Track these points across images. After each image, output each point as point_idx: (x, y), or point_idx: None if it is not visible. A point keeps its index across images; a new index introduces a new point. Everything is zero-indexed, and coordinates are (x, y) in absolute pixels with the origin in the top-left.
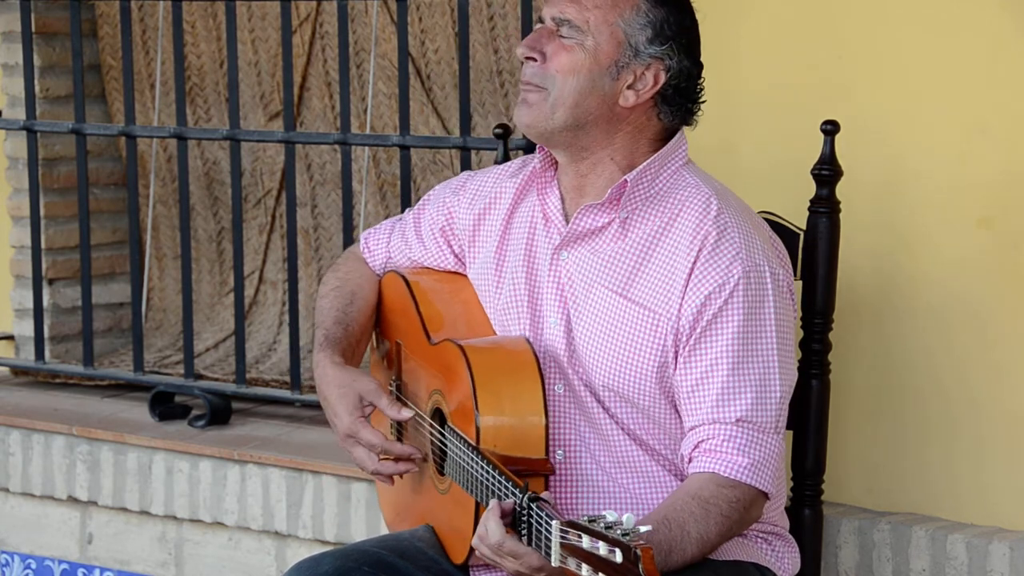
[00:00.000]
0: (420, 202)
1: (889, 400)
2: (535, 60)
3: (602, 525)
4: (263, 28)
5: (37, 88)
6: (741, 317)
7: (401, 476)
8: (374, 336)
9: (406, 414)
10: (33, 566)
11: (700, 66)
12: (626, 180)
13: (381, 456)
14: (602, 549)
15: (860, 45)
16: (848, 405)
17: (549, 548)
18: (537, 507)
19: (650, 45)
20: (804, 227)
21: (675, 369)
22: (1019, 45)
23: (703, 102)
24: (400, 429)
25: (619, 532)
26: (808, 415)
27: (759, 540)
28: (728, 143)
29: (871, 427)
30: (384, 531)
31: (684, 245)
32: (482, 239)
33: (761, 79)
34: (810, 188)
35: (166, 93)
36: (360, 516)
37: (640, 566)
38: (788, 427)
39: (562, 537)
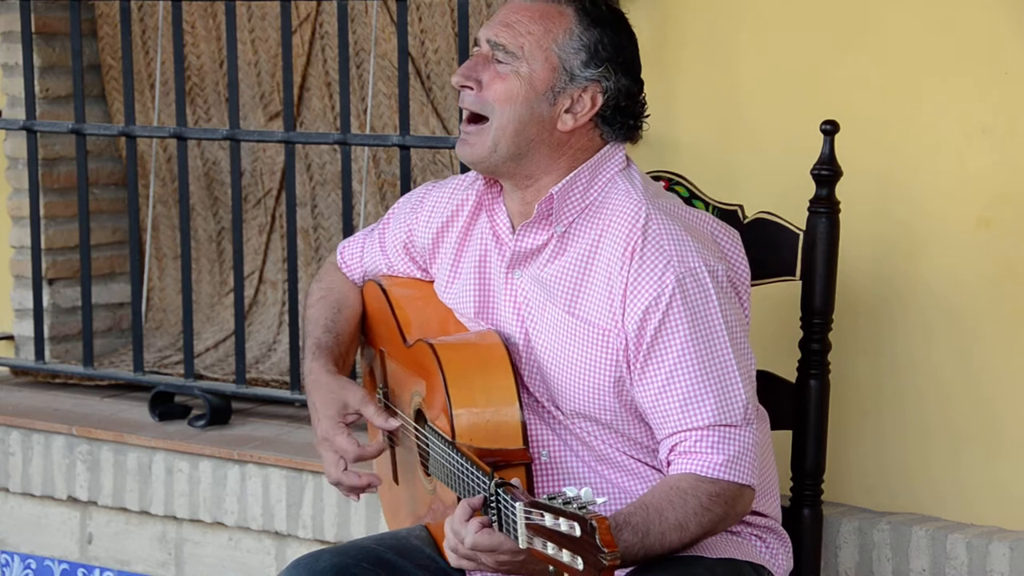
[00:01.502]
0: (386, 216)
1: (889, 400)
2: (471, 88)
3: (560, 501)
4: (263, 28)
5: (37, 88)
6: (686, 324)
7: (358, 497)
8: (361, 346)
9: (393, 423)
10: (33, 566)
11: (640, 83)
12: (552, 195)
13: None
14: (563, 525)
15: (860, 45)
16: (848, 405)
17: (516, 532)
18: (503, 491)
19: (585, 68)
20: (804, 227)
21: (632, 384)
22: (1019, 45)
23: (647, 117)
24: (392, 439)
25: (576, 507)
26: (808, 415)
27: (754, 538)
28: (728, 143)
29: (871, 427)
30: (384, 530)
31: (617, 256)
32: (441, 255)
33: (761, 79)
34: (810, 188)
35: (166, 93)
36: (360, 516)
37: (597, 537)
38: (788, 427)
39: (527, 518)
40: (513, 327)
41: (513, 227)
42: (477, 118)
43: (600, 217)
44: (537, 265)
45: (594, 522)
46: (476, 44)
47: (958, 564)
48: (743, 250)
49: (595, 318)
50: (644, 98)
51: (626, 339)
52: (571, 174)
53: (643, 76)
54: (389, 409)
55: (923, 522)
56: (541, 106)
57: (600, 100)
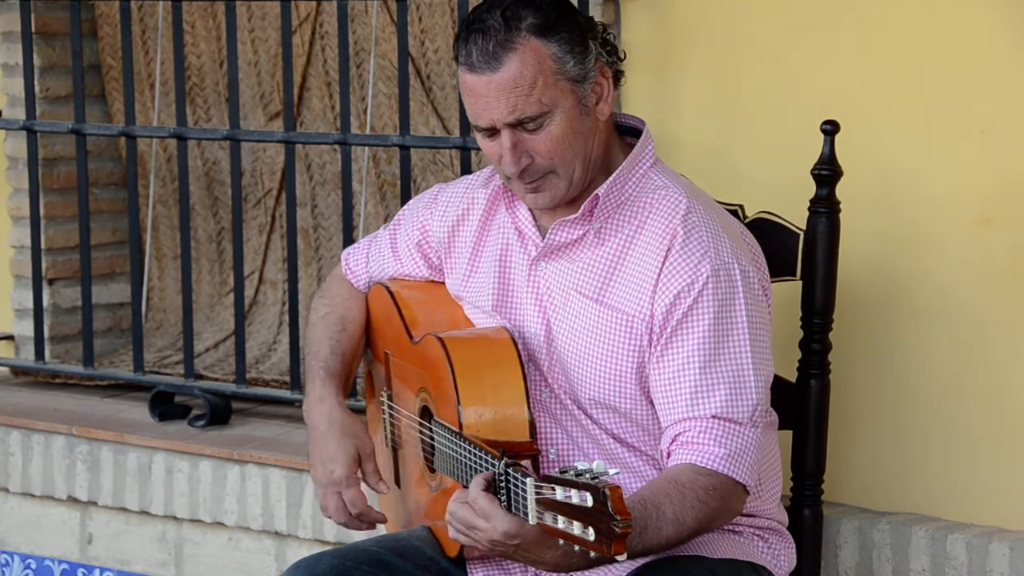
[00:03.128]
0: (395, 218)
1: (889, 400)
2: (527, 163)
3: (572, 474)
4: (263, 28)
5: (37, 88)
6: (711, 315)
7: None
8: (367, 352)
9: (383, 488)
10: (33, 566)
11: (594, 23)
12: (597, 195)
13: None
14: (574, 497)
15: (860, 45)
16: (848, 405)
17: (527, 508)
18: (513, 470)
19: (583, 63)
20: (804, 227)
21: (648, 368)
22: (1019, 45)
23: (619, 50)
24: (395, 438)
25: (588, 477)
26: (808, 415)
27: (755, 537)
28: (728, 143)
29: (871, 427)
30: (383, 531)
31: (654, 246)
32: (457, 251)
33: (761, 79)
34: (810, 188)
35: (166, 93)
36: None
37: (609, 504)
38: (788, 427)
39: (537, 492)
40: (534, 319)
41: (536, 220)
42: (545, 174)
43: (637, 209)
44: (568, 257)
45: (607, 490)
46: (483, 130)
47: (958, 564)
48: (763, 254)
49: (623, 305)
50: (606, 33)
51: (651, 323)
52: (615, 174)
53: (643, 76)
54: (393, 411)
55: (923, 522)
56: (585, 122)
57: (608, 70)
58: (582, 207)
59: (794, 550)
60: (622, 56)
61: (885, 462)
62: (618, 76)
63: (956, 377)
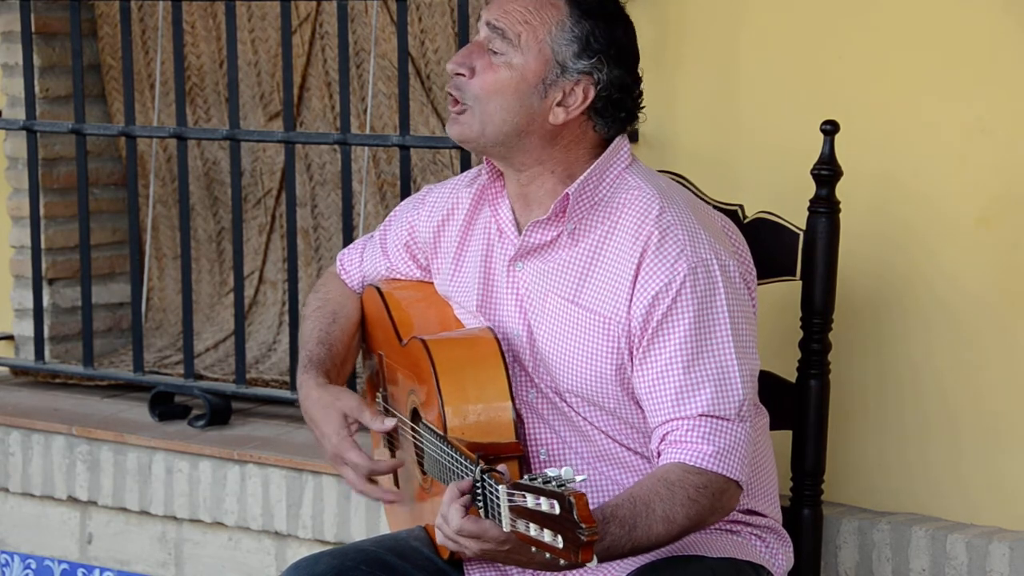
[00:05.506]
0: (387, 219)
1: (889, 399)
2: (464, 75)
3: (540, 481)
4: (263, 28)
5: (37, 88)
6: (692, 314)
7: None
8: (362, 353)
9: (389, 423)
10: (33, 566)
11: (635, 75)
12: (568, 194)
13: (368, 477)
14: (544, 504)
15: (860, 45)
16: (848, 405)
17: (500, 515)
18: (488, 476)
19: (577, 60)
20: (804, 227)
21: (632, 371)
22: (1019, 45)
23: (643, 108)
24: (392, 441)
25: (555, 485)
26: (808, 415)
27: (752, 537)
28: (728, 143)
29: (871, 427)
30: (384, 531)
31: (627, 247)
32: (443, 250)
33: (761, 79)
34: (810, 188)
35: (166, 93)
36: (360, 516)
37: (575, 512)
38: (788, 427)
39: (509, 500)
40: (515, 318)
41: (515, 215)
42: (461, 104)
43: (610, 211)
44: (543, 257)
45: (572, 499)
46: (478, 30)
47: (958, 564)
48: (748, 248)
49: (598, 307)
50: (640, 90)
51: (630, 326)
52: (585, 173)
53: (643, 76)
54: (389, 413)
55: (923, 522)
56: (531, 99)
57: (592, 93)
58: (552, 207)
59: (791, 549)
60: (636, 120)
61: (885, 462)
62: (617, 123)
63: (956, 376)
